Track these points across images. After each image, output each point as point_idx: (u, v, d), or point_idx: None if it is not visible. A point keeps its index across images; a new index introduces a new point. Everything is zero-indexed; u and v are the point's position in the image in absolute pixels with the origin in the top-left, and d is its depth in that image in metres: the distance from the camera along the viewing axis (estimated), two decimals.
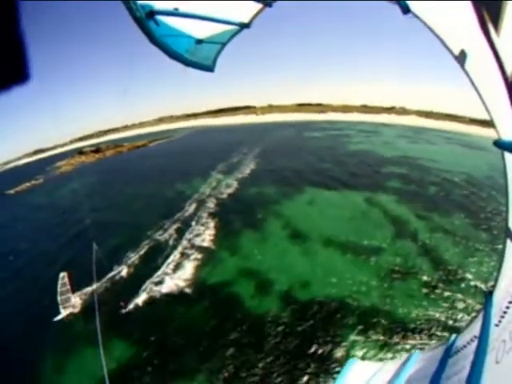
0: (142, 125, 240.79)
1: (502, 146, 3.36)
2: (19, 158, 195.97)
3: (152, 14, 4.16)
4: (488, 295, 4.93)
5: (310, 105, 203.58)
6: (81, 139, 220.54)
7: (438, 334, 17.66)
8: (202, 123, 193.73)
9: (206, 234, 30.38)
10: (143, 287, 22.85)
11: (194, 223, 33.20)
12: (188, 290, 22.41)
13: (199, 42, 5.81)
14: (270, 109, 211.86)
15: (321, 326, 18.50)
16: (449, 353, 5.75)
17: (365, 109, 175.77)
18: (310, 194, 41.53)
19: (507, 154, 3.84)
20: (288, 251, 27.44)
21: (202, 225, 32.61)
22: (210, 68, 6.49)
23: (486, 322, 4.34)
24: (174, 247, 28.37)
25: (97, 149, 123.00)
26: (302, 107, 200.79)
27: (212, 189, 45.14)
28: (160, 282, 23.20)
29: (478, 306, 19.33)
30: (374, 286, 21.92)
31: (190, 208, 38.10)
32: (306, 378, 15.47)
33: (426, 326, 18.28)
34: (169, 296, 22.04)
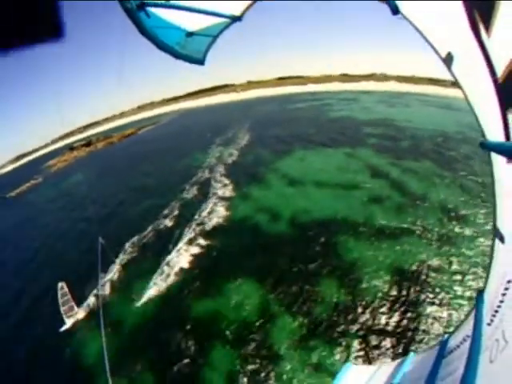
0: (122, 115, 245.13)
1: (488, 147, 3.49)
2: (3, 166, 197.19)
3: (143, 5, 4.27)
4: (479, 294, 5.04)
5: (290, 78, 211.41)
6: (61, 138, 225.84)
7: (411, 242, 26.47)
8: (184, 106, 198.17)
9: (224, 188, 38.78)
10: (189, 230, 30.75)
11: (212, 182, 41.63)
12: (225, 223, 31.11)
13: (190, 34, 5.94)
14: (250, 85, 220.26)
15: (319, 236, 27.16)
16: (442, 353, 5.91)
17: (345, 78, 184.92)
18: (298, 154, 49.96)
19: (494, 155, 3.96)
20: (287, 193, 36.23)
21: (219, 182, 41.10)
22: (200, 61, 6.64)
23: (478, 322, 4.44)
24: (203, 201, 36.50)
25: (88, 142, 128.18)
26: (282, 81, 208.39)
27: (217, 158, 53.09)
28: (202, 223, 31.39)
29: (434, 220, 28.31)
30: (357, 208, 30.68)
31: (205, 173, 46.41)
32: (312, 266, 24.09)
33: (398, 226, 27.04)
34: (213, 230, 30.70)
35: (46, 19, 1.21)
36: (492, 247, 4.85)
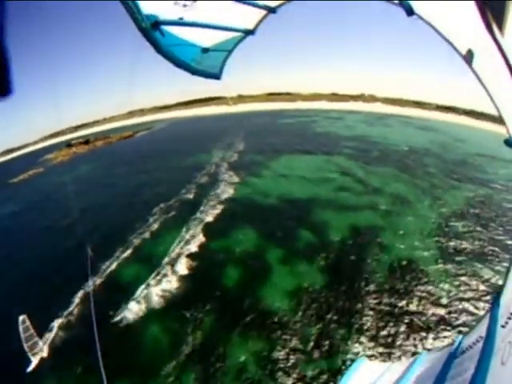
0: (112, 119, 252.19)
1: None
2: None
3: (157, 24, 4.50)
4: (495, 297, 5.15)
5: (280, 94, 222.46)
6: (52, 136, 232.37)
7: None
8: (175, 115, 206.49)
9: (230, 177, 51.84)
10: (208, 201, 42.96)
11: (220, 173, 54.83)
12: (233, 197, 44.04)
13: (205, 50, 6.30)
14: (241, 99, 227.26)
15: (299, 207, 39.93)
16: (455, 353, 6.15)
17: (334, 97, 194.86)
18: (286, 158, 63.60)
19: None
20: (277, 182, 49.80)
21: (226, 174, 54.35)
22: (216, 76, 7.08)
23: (493, 324, 4.57)
24: (214, 184, 49.38)
25: (86, 140, 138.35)
26: (272, 97, 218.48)
27: (220, 158, 65.91)
28: (218, 196, 44.40)
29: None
30: (328, 193, 43.70)
31: (212, 168, 59.48)
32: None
33: (357, 204, 40.28)
34: (226, 200, 43.13)
35: None
36: None
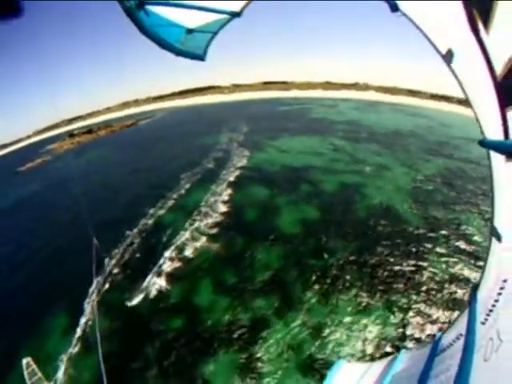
0: (108, 110, 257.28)
1: (487, 145, 3.75)
2: None
3: (142, 3, 4.56)
4: (473, 293, 5.36)
5: (275, 83, 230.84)
6: (46, 129, 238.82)
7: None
8: (171, 105, 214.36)
9: (241, 152, 64.27)
10: (226, 170, 54.81)
11: (232, 149, 67.34)
12: (246, 166, 56.14)
13: (190, 31, 6.42)
14: (236, 88, 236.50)
15: (298, 172, 51.85)
16: (435, 351, 6.36)
17: (328, 85, 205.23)
18: (286, 138, 75.69)
19: (493, 153, 4.21)
20: (279, 155, 61.99)
21: (237, 150, 66.87)
22: (200, 57, 7.25)
23: (472, 320, 4.73)
24: (229, 157, 61.82)
25: (89, 130, 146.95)
26: (267, 85, 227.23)
27: (229, 139, 77.92)
28: (234, 165, 56.49)
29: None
30: (322, 163, 55.77)
31: (223, 146, 71.96)
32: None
33: (346, 169, 52.53)
34: (241, 168, 55.13)
35: None
36: (488, 246, 5.13)
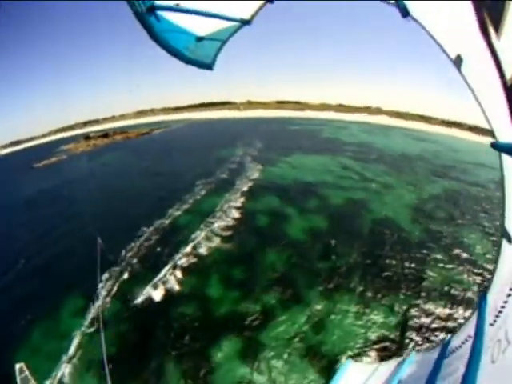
0: (121, 117, 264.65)
1: (498, 147, 3.76)
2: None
3: (153, 9, 4.64)
4: (482, 294, 5.35)
5: (289, 102, 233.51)
6: (60, 131, 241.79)
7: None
8: (186, 117, 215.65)
9: (255, 166, 67.80)
10: (241, 180, 58.18)
11: (246, 162, 71.31)
12: (259, 178, 59.57)
13: (199, 39, 6.51)
14: (251, 105, 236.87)
15: (309, 186, 55.16)
16: (444, 353, 6.40)
17: (341, 108, 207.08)
18: (297, 155, 79.36)
19: (504, 156, 4.26)
20: (291, 171, 65.51)
21: (251, 163, 70.53)
22: (209, 66, 7.27)
23: (481, 322, 4.75)
24: (243, 169, 65.61)
25: (105, 134, 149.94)
26: (281, 104, 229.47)
27: (243, 153, 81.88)
28: (247, 176, 60.01)
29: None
30: (331, 179, 58.93)
31: (237, 159, 75.78)
32: None
33: (354, 186, 55.54)
34: (254, 179, 58.43)
35: None
36: (499, 248, 5.13)
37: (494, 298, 5.04)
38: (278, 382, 21.10)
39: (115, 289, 30.23)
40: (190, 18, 5.69)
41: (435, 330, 24.91)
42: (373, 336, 24.21)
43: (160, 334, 25.28)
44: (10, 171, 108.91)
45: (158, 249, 36.42)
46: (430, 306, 26.94)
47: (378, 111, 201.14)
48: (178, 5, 5.28)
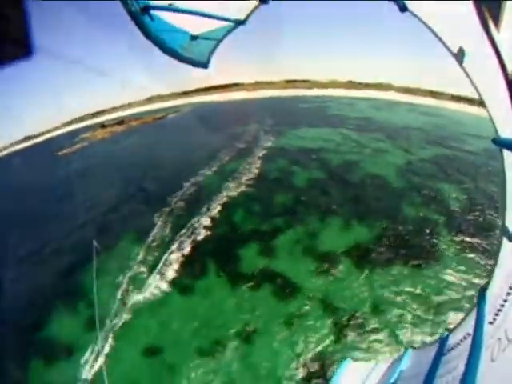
0: (130, 105, 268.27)
1: (500, 143, 3.88)
2: (6, 147, 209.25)
3: (147, 8, 4.78)
4: (481, 292, 5.52)
5: (297, 81, 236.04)
6: (70, 123, 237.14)
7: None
8: (195, 100, 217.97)
9: (269, 137, 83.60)
10: (257, 148, 73.53)
11: (260, 135, 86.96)
12: (272, 146, 75.85)
13: (194, 38, 6.80)
14: (259, 85, 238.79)
15: (313, 152, 69.43)
16: (442, 350, 6.61)
17: (350, 84, 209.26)
18: (304, 129, 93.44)
19: (506, 152, 4.34)
20: (298, 140, 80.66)
21: (264, 136, 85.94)
22: (204, 64, 7.66)
23: (480, 320, 4.89)
24: (259, 139, 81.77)
25: (120, 121, 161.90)
26: (289, 83, 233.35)
27: (256, 127, 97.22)
28: (262, 145, 76.23)
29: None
30: (333, 146, 73.66)
31: (252, 132, 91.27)
32: None
33: (355, 151, 70.17)
34: (269, 148, 73.53)
35: (18, 40, 1.40)
36: (499, 245, 5.27)
37: (493, 296, 5.27)
38: (286, 266, 32.76)
39: (170, 219, 45.89)
40: (185, 17, 6.03)
41: (404, 244, 35.49)
42: (352, 242, 36.56)
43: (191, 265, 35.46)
44: (36, 160, 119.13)
45: (195, 198, 52.02)
46: (400, 227, 39.66)
47: (388, 87, 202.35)
48: (172, 4, 5.65)
